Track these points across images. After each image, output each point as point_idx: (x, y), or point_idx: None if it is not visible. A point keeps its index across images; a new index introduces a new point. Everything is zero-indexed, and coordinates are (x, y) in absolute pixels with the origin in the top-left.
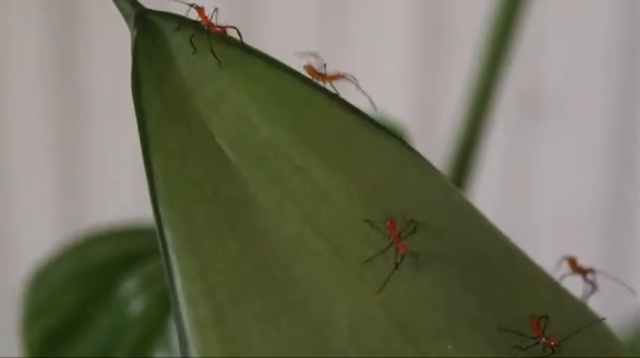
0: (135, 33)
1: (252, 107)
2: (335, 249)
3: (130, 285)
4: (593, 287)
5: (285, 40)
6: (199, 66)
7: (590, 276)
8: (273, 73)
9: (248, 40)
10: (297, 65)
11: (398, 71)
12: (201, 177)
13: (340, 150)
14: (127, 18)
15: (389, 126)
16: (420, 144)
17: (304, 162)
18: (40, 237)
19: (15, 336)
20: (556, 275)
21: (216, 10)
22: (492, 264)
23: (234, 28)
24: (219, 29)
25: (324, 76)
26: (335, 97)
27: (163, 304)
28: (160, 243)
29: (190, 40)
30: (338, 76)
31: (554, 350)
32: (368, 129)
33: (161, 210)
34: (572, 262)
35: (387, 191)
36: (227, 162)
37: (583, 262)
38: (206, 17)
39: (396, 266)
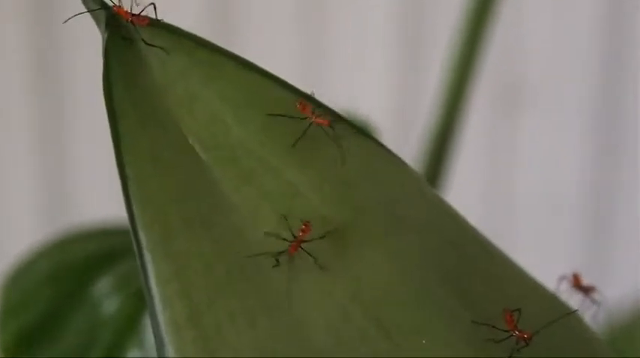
0: (106, 35)
1: (224, 107)
2: (308, 245)
3: (103, 285)
4: (595, 304)
5: (266, 38)
6: (170, 67)
7: (592, 294)
8: (243, 74)
9: (229, 36)
10: (278, 65)
11: (375, 67)
12: (175, 179)
13: (312, 149)
14: (97, 20)
15: (359, 124)
16: (395, 139)
17: (277, 162)
18: (24, 235)
19: None
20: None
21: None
22: (466, 258)
23: (152, 4)
24: (142, 20)
25: (316, 117)
26: (308, 98)
27: (137, 304)
28: (134, 245)
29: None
30: (325, 122)
31: (527, 343)
32: (340, 128)
33: (135, 211)
34: (576, 278)
35: (360, 188)
36: (200, 163)
37: (565, 253)
38: (126, 12)
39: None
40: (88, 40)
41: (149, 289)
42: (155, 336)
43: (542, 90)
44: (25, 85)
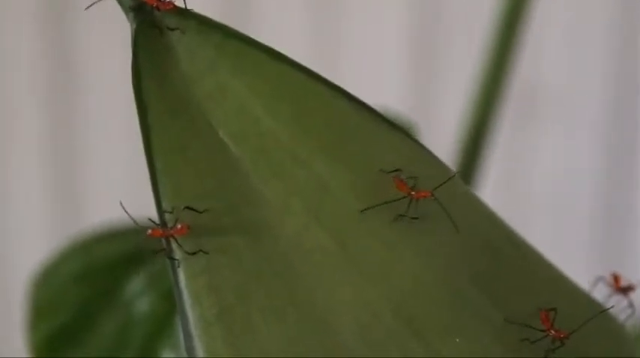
0: (134, 26)
1: (254, 100)
2: (339, 242)
3: (135, 284)
4: (632, 306)
5: (282, 35)
6: (199, 58)
7: (630, 294)
8: (273, 65)
9: (243, 23)
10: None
11: (399, 66)
12: (204, 171)
13: (344, 142)
14: (126, 11)
15: (396, 119)
16: (424, 140)
17: (308, 155)
18: (38, 237)
19: (17, 338)
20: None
21: None
22: (500, 257)
23: None
24: (168, 5)
25: (417, 193)
26: (338, 89)
27: (169, 303)
28: (164, 240)
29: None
30: (427, 193)
31: (563, 343)
32: (372, 122)
33: (164, 206)
34: (616, 279)
35: (392, 184)
36: (230, 156)
37: (580, 261)
38: None
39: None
40: (103, 45)
41: (178, 284)
42: (183, 330)
43: (558, 100)
44: (36, 88)
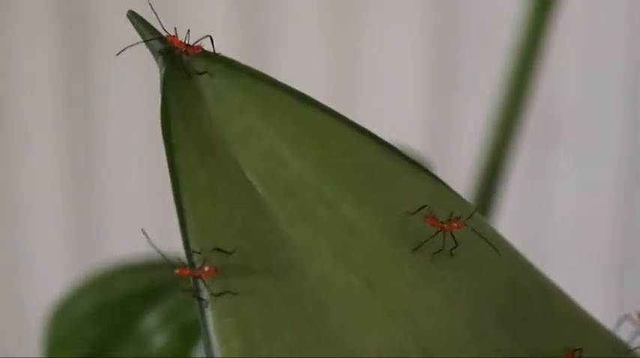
0: (164, 70)
1: (281, 142)
2: (367, 284)
3: (151, 320)
4: None
5: (299, 63)
6: (227, 101)
7: None
8: (300, 107)
9: (262, 64)
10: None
11: (415, 97)
12: (232, 213)
13: (369, 182)
14: (155, 55)
15: (413, 157)
16: (438, 170)
17: (334, 197)
18: (56, 271)
19: None
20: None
21: (188, 31)
22: (523, 295)
23: (209, 36)
24: (196, 49)
25: (450, 224)
26: (364, 131)
27: (185, 339)
28: (192, 280)
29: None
30: (461, 225)
31: None
32: (395, 161)
33: (192, 245)
34: None
35: (418, 224)
36: (257, 198)
37: (599, 287)
38: (181, 42)
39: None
40: (124, 72)
41: (205, 324)
42: None
43: (576, 124)
44: (56, 112)
